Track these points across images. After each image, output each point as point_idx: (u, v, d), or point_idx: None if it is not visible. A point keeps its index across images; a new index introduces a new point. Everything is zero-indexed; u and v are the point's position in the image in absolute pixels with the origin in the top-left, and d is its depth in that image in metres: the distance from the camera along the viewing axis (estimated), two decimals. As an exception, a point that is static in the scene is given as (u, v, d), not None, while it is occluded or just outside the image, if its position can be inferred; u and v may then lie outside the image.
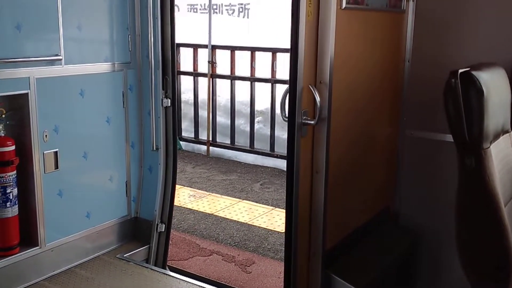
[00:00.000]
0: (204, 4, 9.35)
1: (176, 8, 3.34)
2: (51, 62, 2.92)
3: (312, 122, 2.30)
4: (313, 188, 2.43)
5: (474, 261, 2.05)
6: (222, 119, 6.82)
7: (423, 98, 2.96)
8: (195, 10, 9.68)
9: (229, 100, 6.59)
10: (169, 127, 3.34)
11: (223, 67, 6.64)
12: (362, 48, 2.65)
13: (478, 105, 1.89)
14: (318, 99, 2.28)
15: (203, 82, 6.75)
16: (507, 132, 2.17)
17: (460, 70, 1.89)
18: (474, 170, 1.92)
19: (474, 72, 1.89)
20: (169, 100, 3.31)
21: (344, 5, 2.35)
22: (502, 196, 1.96)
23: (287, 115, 2.27)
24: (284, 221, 4.43)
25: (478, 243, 2.04)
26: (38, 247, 2.96)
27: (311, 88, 2.29)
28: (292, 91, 2.21)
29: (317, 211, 2.44)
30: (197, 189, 5.42)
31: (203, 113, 6.80)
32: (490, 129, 1.95)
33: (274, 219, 4.63)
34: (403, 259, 3.02)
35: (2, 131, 2.81)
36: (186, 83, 6.94)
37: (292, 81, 2.20)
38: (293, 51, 2.18)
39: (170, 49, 3.26)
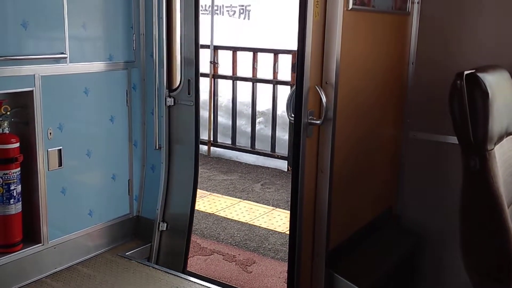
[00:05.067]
0: (205, 5, 9.36)
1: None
2: (56, 60, 2.93)
3: (318, 122, 2.32)
4: (318, 188, 2.44)
5: (477, 262, 2.06)
6: (224, 119, 6.83)
7: (426, 100, 2.98)
8: (196, 10, 9.68)
9: (231, 101, 6.60)
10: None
11: (224, 68, 6.65)
12: (367, 50, 2.66)
13: (483, 106, 1.90)
14: (324, 99, 2.29)
15: (204, 82, 6.75)
16: (511, 134, 2.18)
17: (466, 72, 1.91)
18: (478, 171, 1.94)
19: (479, 74, 1.91)
20: (173, 100, 3.31)
21: (350, 6, 2.36)
22: (506, 198, 1.97)
23: (293, 115, 2.29)
24: (284, 222, 4.49)
25: (481, 244, 2.05)
26: (40, 244, 2.97)
27: (317, 88, 2.30)
28: (298, 91, 2.22)
29: (321, 210, 2.45)
30: (198, 188, 5.42)
31: (204, 113, 6.79)
32: (495, 130, 1.96)
33: (275, 219, 4.64)
34: (406, 260, 3.04)
35: (7, 128, 2.81)
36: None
37: (299, 81, 2.22)
38: (300, 51, 2.19)
39: (194, 50, 3.15)
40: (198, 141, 3.30)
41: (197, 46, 3.15)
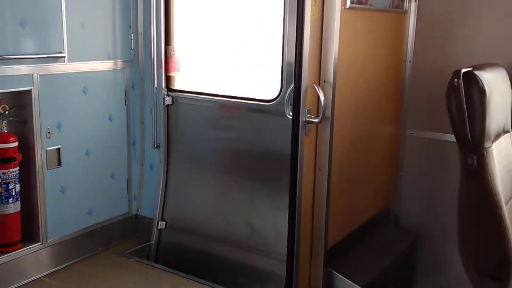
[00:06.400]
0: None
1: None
2: (55, 59, 2.93)
3: (316, 120, 2.32)
4: (316, 186, 2.45)
5: (475, 260, 2.07)
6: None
7: (424, 98, 2.99)
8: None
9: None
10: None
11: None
12: (365, 48, 2.67)
13: (481, 104, 1.91)
14: (322, 98, 2.30)
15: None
16: (507, 131, 2.19)
17: (463, 70, 1.92)
18: (476, 169, 1.95)
19: (476, 72, 1.92)
20: (171, 98, 3.30)
21: (348, 4, 2.37)
22: (503, 195, 1.98)
23: (291, 113, 2.29)
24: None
25: (479, 242, 2.06)
26: (39, 243, 2.98)
27: (315, 87, 2.31)
28: (296, 90, 2.23)
29: (319, 208, 2.46)
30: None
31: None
32: (492, 128, 1.97)
33: (274, 218, 4.63)
34: (404, 258, 3.04)
35: (5, 128, 2.81)
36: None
37: (297, 80, 2.22)
38: (298, 50, 2.20)
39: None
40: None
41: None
